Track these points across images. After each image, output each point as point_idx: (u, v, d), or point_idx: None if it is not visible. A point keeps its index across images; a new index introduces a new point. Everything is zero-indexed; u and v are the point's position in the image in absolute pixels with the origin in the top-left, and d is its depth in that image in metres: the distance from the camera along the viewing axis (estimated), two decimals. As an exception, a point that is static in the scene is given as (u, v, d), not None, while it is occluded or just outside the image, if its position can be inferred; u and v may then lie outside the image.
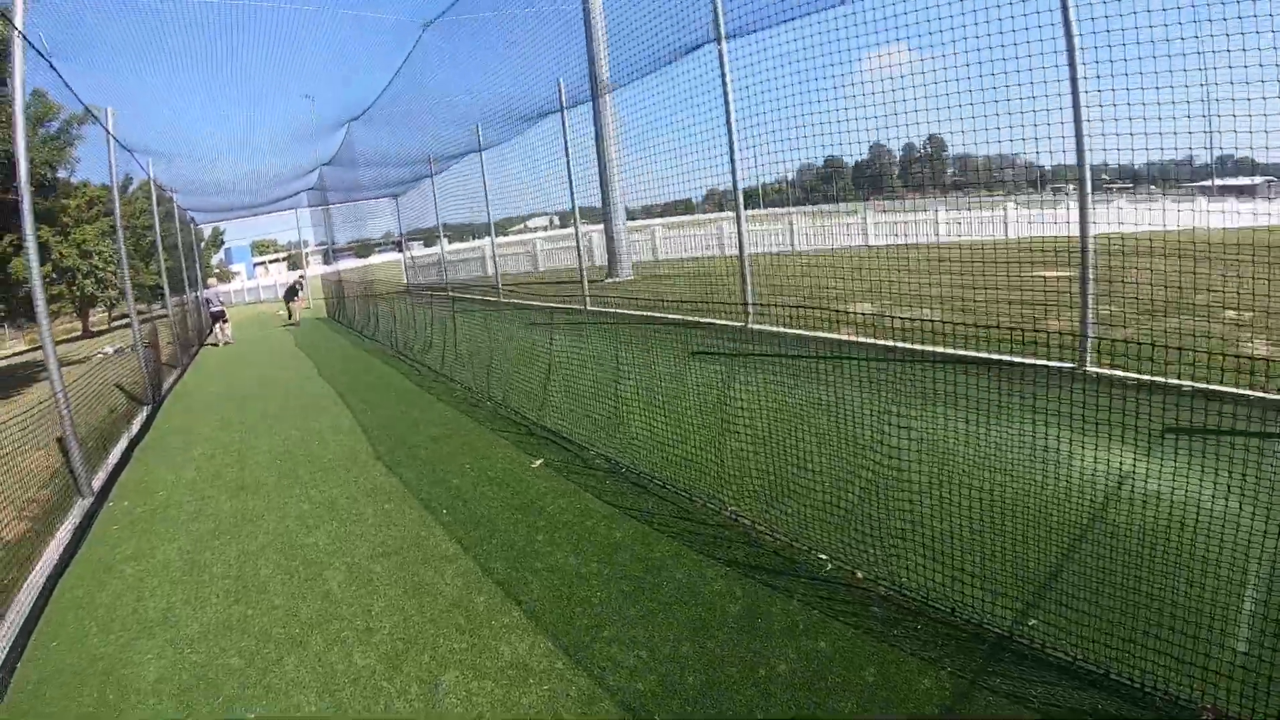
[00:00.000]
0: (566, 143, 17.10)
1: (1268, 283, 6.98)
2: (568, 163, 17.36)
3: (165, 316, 21.51)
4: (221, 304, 27.08)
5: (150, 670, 4.70)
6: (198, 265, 34.44)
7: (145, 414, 12.74)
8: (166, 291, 21.64)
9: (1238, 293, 6.84)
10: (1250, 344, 8.05)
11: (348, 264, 37.26)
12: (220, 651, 4.80)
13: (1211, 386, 6.39)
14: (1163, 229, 6.41)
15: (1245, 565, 4.24)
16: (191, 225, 35.20)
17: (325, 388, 14.30)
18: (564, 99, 16.69)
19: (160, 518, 7.47)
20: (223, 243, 62.00)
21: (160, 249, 20.80)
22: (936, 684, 3.87)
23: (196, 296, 30.88)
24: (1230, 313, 7.29)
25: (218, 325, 25.83)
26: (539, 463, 8.22)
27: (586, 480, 7.51)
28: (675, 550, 5.76)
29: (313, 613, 5.21)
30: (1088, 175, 7.24)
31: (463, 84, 19.56)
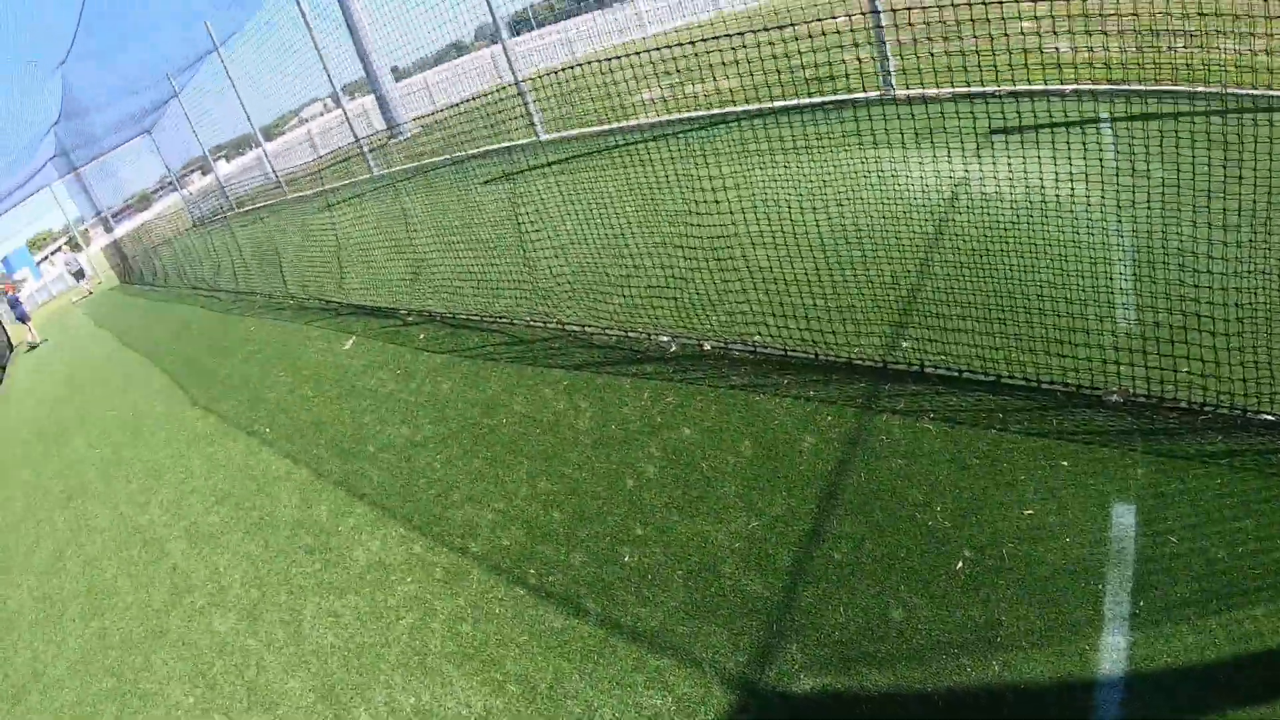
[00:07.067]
0: (300, 4, 14.83)
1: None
2: (309, 29, 15.19)
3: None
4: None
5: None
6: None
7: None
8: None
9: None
10: (1055, 40, 7.87)
11: (136, 221, 33.42)
12: (92, 679, 4.23)
13: (1023, 87, 6.04)
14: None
15: (1105, 241, 3.96)
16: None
17: (131, 355, 12.97)
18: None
19: (2, 564, 6.46)
20: (-10, 253, 53.49)
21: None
22: (820, 436, 3.41)
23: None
24: (1027, 23, 7.01)
25: (27, 327, 22.17)
26: (350, 342, 7.43)
27: (404, 341, 6.77)
28: (508, 382, 5.14)
29: (164, 595, 4.71)
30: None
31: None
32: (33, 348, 20.81)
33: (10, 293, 26.01)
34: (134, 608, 4.72)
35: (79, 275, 32.10)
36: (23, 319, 22.33)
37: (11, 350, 23.23)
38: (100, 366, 13.48)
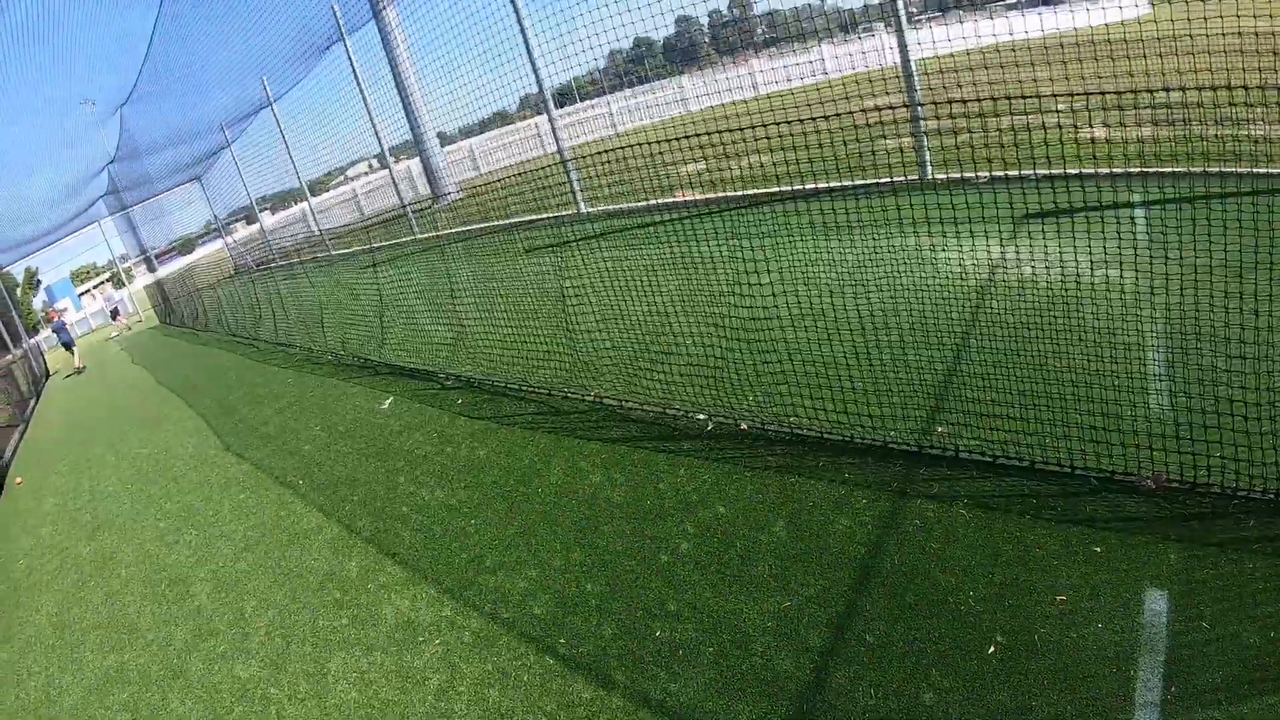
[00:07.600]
0: (355, 69, 15.62)
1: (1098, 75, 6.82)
2: (362, 93, 15.98)
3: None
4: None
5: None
6: (15, 313, 30.47)
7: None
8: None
9: (1068, 83, 6.66)
10: (1090, 128, 8.01)
11: (177, 264, 34.67)
12: (106, 710, 4.21)
13: (1057, 171, 6.18)
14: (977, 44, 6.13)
15: (1139, 325, 3.99)
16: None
17: (166, 394, 13.27)
18: (343, 24, 15.19)
19: (25, 586, 6.56)
20: (39, 282, 55.87)
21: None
22: (854, 519, 3.44)
23: (26, 348, 27.32)
24: (1062, 106, 7.16)
25: (72, 354, 23.09)
26: (388, 403, 7.55)
27: (442, 405, 6.86)
28: (545, 452, 5.21)
29: (186, 636, 4.69)
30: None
31: (229, 32, 17.60)
32: (76, 373, 21.50)
33: (55, 319, 26.87)
34: (154, 645, 4.74)
35: (114, 314, 33.87)
36: (68, 345, 23.05)
37: (47, 378, 23.95)
38: (135, 403, 13.73)
